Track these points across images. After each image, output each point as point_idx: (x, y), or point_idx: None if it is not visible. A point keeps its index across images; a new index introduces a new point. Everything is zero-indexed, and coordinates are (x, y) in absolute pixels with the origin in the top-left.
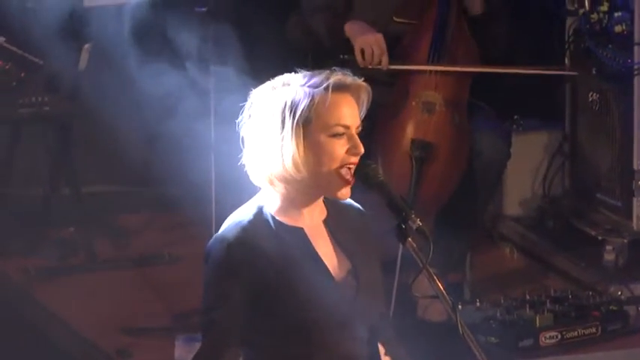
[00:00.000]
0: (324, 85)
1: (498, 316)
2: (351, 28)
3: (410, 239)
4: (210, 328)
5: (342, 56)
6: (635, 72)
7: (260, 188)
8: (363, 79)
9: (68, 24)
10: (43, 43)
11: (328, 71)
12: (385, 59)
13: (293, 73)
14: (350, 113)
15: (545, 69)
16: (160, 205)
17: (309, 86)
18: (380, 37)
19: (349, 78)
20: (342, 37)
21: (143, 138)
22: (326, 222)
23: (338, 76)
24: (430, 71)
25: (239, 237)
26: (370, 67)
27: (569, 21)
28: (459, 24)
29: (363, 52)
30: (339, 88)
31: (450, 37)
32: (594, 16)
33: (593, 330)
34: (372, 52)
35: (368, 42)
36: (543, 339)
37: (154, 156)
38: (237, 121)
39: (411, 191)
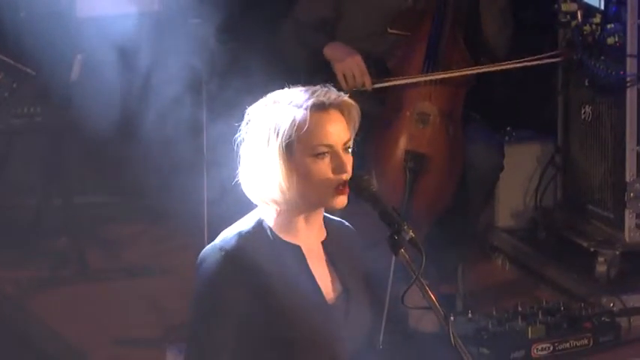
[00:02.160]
0: (304, 105)
1: (490, 328)
2: (330, 52)
3: (402, 250)
4: (199, 338)
5: (330, 85)
6: (628, 84)
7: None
8: (348, 94)
9: (61, 34)
10: (35, 53)
11: (312, 90)
12: (367, 80)
13: (286, 88)
14: (333, 131)
15: (533, 59)
16: (152, 215)
17: (292, 106)
18: (359, 58)
19: (333, 95)
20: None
21: (135, 148)
22: (324, 243)
23: (320, 94)
24: (425, 82)
25: (236, 247)
26: (355, 89)
27: (561, 33)
28: (453, 35)
29: (345, 77)
30: (321, 106)
31: (444, 48)
32: (587, 27)
33: (585, 341)
34: (354, 75)
35: (348, 66)
36: (535, 350)
37: (146, 167)
38: (234, 139)
39: (404, 203)
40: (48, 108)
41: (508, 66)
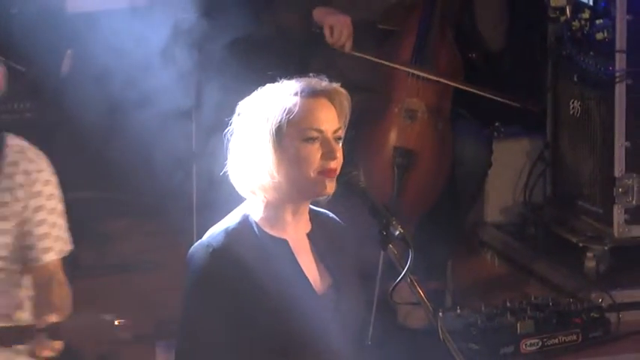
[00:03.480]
0: (295, 91)
1: (479, 323)
2: (320, 11)
3: (391, 246)
4: (188, 336)
5: (315, 30)
6: (617, 79)
7: (244, 199)
8: (340, 84)
9: (51, 30)
10: (25, 49)
11: (302, 78)
12: (349, 43)
13: (277, 82)
14: (324, 117)
15: (513, 99)
16: (142, 211)
17: (281, 94)
18: (349, 20)
19: (323, 82)
20: (310, 29)
21: (125, 144)
22: (309, 236)
23: (310, 81)
24: (413, 79)
25: (223, 243)
26: (336, 46)
27: (550, 28)
28: (442, 31)
29: (332, 30)
30: (312, 93)
31: (432, 42)
32: (576, 23)
33: (574, 337)
34: (341, 32)
35: (339, 22)
36: (524, 346)
37: (136, 163)
38: (223, 134)
39: (393, 198)
40: (38, 104)
41: (486, 94)
